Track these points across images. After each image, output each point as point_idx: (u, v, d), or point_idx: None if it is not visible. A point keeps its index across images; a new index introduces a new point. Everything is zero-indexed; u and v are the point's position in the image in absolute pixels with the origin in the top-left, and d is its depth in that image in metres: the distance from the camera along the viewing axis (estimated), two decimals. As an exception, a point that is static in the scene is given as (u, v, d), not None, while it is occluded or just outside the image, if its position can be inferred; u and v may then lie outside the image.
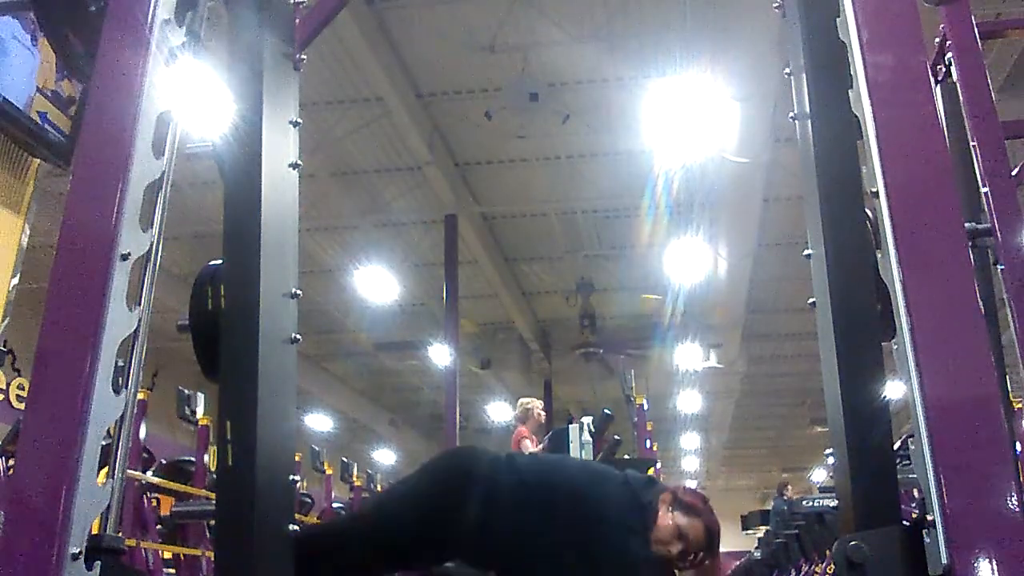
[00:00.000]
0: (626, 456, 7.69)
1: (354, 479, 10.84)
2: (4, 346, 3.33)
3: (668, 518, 2.16)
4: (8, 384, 8.50)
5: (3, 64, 3.06)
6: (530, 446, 6.68)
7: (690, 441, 21.31)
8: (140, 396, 5.64)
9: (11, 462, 4.70)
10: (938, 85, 2.84)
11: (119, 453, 1.51)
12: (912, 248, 1.38)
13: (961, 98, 2.68)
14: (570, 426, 6.65)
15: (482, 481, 2.17)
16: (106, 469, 1.48)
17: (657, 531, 2.14)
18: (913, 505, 4.23)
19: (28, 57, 3.11)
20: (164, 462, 7.00)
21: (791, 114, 1.83)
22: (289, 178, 2.07)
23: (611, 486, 2.23)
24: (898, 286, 1.37)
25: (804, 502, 8.85)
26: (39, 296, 1.55)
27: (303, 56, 2.19)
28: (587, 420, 6.60)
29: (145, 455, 6.37)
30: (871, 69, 1.51)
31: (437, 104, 9.47)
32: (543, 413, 7.14)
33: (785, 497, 11.14)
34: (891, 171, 1.44)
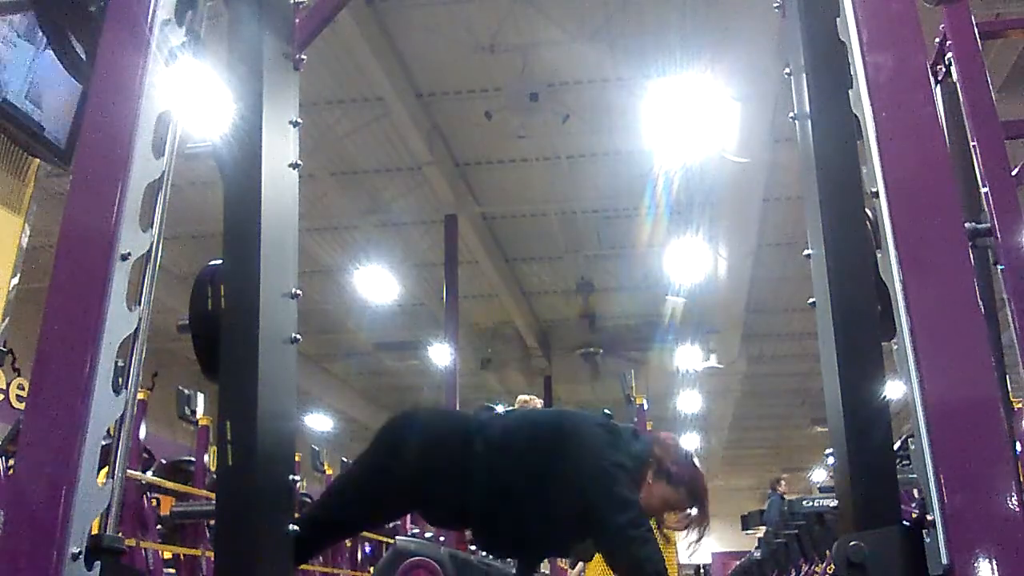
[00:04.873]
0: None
1: (354, 479, 10.82)
2: (4, 346, 3.33)
3: (652, 488, 2.16)
4: (8, 384, 8.50)
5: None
6: None
7: (690, 441, 21.29)
8: (140, 396, 5.64)
9: (11, 462, 4.69)
10: (938, 85, 2.84)
11: (119, 453, 1.51)
12: (912, 248, 1.38)
13: (961, 98, 2.68)
14: (570, 426, 6.64)
15: (457, 434, 2.20)
16: (106, 469, 1.48)
17: (646, 501, 2.14)
18: (913, 505, 4.22)
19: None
20: (164, 462, 6.99)
21: (791, 114, 1.83)
22: (289, 178, 2.07)
23: (594, 434, 2.18)
24: (898, 286, 1.37)
25: (804, 502, 8.84)
26: (39, 296, 1.54)
27: (303, 56, 2.19)
28: (587, 420, 6.59)
29: (145, 455, 6.36)
30: (871, 69, 1.51)
31: (437, 104, 9.47)
32: (540, 407, 7.09)
33: (779, 492, 11.15)
34: (891, 171, 1.44)
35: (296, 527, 1.87)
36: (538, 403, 7.04)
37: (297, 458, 6.03)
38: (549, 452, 2.14)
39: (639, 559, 2.00)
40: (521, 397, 7.23)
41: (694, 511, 2.22)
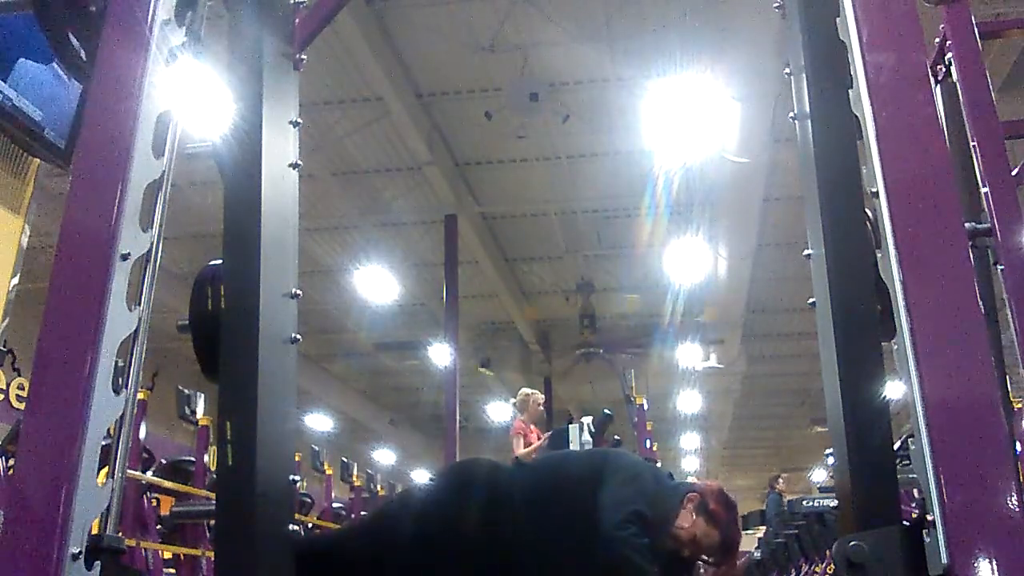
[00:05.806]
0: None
1: (354, 479, 10.85)
2: (4, 346, 3.32)
3: (689, 520, 2.16)
4: (8, 384, 8.50)
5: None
6: (520, 444, 6.53)
7: (690, 441, 21.31)
8: (140, 396, 5.63)
9: (11, 462, 4.69)
10: (938, 85, 2.84)
11: (119, 453, 1.51)
12: (912, 248, 1.38)
13: (961, 98, 2.68)
14: (570, 426, 6.65)
15: (486, 489, 2.16)
16: (106, 469, 1.48)
17: (675, 530, 2.16)
18: (913, 505, 4.22)
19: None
20: (164, 462, 6.99)
21: (791, 114, 1.83)
22: (289, 178, 2.07)
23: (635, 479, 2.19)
24: (898, 286, 1.37)
25: (804, 502, 8.85)
26: (39, 296, 1.54)
27: (303, 56, 2.19)
28: (587, 420, 6.59)
29: (145, 455, 6.36)
30: (871, 69, 1.51)
31: (437, 104, 9.47)
32: (542, 402, 6.96)
33: (776, 490, 11.20)
34: (891, 171, 1.44)
35: (302, 549, 1.84)
36: (540, 397, 6.99)
37: (297, 458, 6.04)
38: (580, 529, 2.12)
39: (625, 558, 2.00)
40: (522, 390, 7.20)
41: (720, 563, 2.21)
